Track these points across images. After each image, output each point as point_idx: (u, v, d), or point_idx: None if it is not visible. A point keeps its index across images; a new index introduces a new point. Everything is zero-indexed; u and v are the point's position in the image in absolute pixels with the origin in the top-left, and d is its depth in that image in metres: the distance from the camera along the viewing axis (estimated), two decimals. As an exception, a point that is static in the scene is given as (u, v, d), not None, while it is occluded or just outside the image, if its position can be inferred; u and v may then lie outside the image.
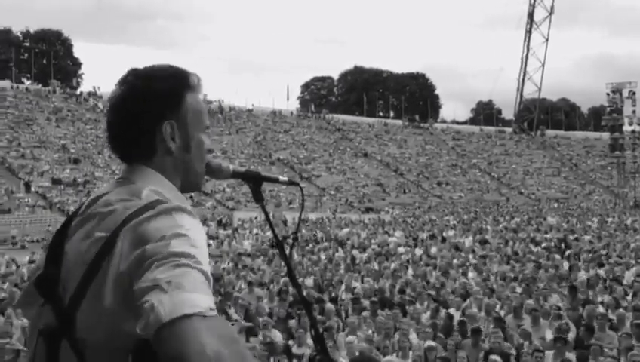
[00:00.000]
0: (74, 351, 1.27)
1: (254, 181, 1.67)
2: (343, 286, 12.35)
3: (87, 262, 1.28)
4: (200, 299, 1.11)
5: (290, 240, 1.91)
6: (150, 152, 1.44)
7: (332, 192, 56.87)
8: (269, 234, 30.56)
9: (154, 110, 1.43)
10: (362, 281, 13.25)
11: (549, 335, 8.62)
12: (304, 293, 1.69)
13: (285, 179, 1.76)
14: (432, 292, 11.40)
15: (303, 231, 27.69)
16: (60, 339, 1.30)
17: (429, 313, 10.16)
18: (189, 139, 1.47)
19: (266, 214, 1.67)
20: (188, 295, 1.10)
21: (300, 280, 13.42)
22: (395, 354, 8.10)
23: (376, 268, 15.52)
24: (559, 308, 9.67)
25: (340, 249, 21.13)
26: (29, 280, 1.47)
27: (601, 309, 9.72)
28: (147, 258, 1.17)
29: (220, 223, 38.76)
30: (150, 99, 1.43)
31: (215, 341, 1.07)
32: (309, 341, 7.98)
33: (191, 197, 45.71)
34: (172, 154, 1.45)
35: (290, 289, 12.45)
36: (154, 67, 1.50)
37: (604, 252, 17.30)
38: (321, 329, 1.58)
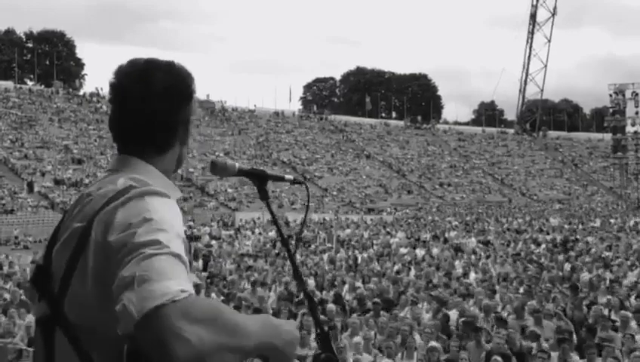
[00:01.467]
0: (67, 337, 1.32)
1: (259, 179, 1.67)
2: (346, 287, 12.36)
3: (68, 254, 1.34)
4: (168, 285, 1.12)
5: (294, 239, 1.91)
6: (166, 147, 1.50)
7: (334, 193, 56.86)
8: (272, 234, 30.56)
9: (179, 109, 1.49)
10: (364, 282, 13.25)
11: (552, 336, 8.61)
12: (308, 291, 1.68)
13: (291, 177, 1.77)
14: (434, 293, 11.40)
15: (305, 232, 27.68)
16: (54, 327, 1.35)
17: (430, 313, 10.17)
18: (186, 136, 1.54)
19: (271, 212, 1.68)
20: (156, 285, 1.12)
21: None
22: (399, 355, 8.10)
23: (379, 268, 15.53)
24: (564, 309, 9.66)
25: (341, 249, 21.13)
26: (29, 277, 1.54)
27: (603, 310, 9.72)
28: (115, 251, 1.20)
29: (223, 224, 38.77)
30: (175, 97, 1.48)
31: (192, 321, 1.09)
32: (313, 343, 7.98)
33: (190, 197, 45.77)
34: (173, 147, 1.52)
35: (294, 289, 12.47)
36: (171, 64, 1.51)
37: (607, 253, 17.28)
38: (326, 328, 1.57)
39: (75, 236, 1.34)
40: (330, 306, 9.89)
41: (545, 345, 8.15)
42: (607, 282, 12.34)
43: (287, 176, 1.76)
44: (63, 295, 1.33)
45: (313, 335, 8.36)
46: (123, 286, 1.14)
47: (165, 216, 1.27)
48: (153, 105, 1.44)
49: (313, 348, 7.89)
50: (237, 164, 1.66)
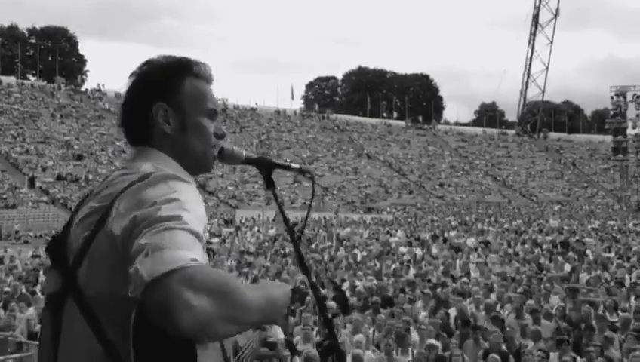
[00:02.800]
0: (79, 305, 1.34)
1: (266, 168, 1.69)
2: (346, 285, 12.40)
3: (88, 228, 1.38)
4: (181, 253, 1.16)
5: (299, 230, 1.95)
6: (146, 134, 1.53)
7: (334, 192, 56.90)
8: (272, 232, 30.60)
9: (145, 93, 1.52)
10: (364, 280, 13.28)
11: (550, 336, 8.65)
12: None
13: (297, 166, 1.79)
14: (428, 292, 11.42)
15: (305, 230, 27.69)
16: (64, 299, 1.38)
17: (427, 311, 10.21)
18: (185, 122, 1.53)
19: (277, 201, 1.70)
20: (168, 252, 1.15)
21: (302, 278, 13.47)
22: (394, 352, 8.14)
23: (378, 266, 15.57)
24: (563, 309, 9.70)
25: (341, 248, 21.16)
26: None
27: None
28: (137, 223, 1.24)
29: (224, 221, 38.81)
30: (144, 83, 1.54)
31: (198, 289, 1.11)
32: (316, 338, 8.02)
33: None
34: (168, 135, 1.52)
35: (293, 284, 12.51)
36: (159, 56, 1.59)
37: (606, 254, 17.31)
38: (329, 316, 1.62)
39: (96, 213, 1.39)
40: (331, 303, 9.92)
41: (541, 344, 8.19)
42: (607, 283, 12.37)
43: (294, 165, 1.78)
44: (78, 265, 1.37)
45: (314, 332, 8.41)
46: (138, 251, 1.18)
47: (189, 198, 1.31)
48: (130, 97, 1.55)
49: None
50: (244, 152, 1.68)
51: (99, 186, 1.49)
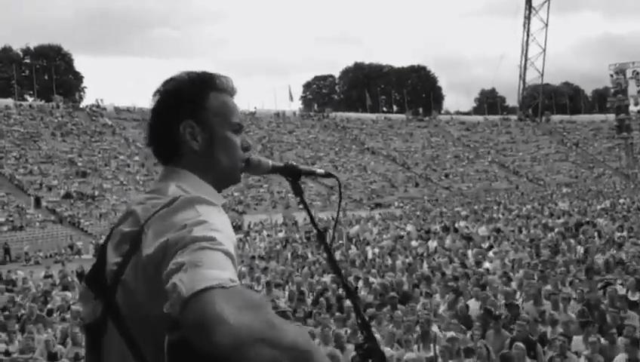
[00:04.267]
0: (118, 329, 1.38)
1: (292, 175, 1.70)
2: (361, 283, 12.35)
3: (120, 254, 1.41)
4: (219, 273, 1.16)
5: (330, 231, 1.91)
6: (175, 152, 1.54)
7: (339, 195, 56.82)
8: (281, 235, 30.60)
9: (172, 111, 1.53)
10: (380, 277, 13.23)
11: (572, 319, 8.59)
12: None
13: (322, 171, 1.80)
14: (451, 284, 11.37)
15: (313, 231, 27.66)
16: (105, 323, 1.42)
17: (446, 304, 10.15)
18: (212, 138, 1.53)
19: (306, 207, 1.69)
20: (207, 271, 1.16)
21: (317, 278, 13.43)
22: (416, 348, 8.08)
23: (391, 262, 15.51)
24: (582, 292, 9.63)
25: (352, 246, 21.13)
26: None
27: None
28: (171, 246, 1.25)
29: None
30: (169, 101, 1.55)
31: (236, 308, 1.11)
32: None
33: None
34: (197, 152, 1.53)
35: (307, 288, 12.47)
36: (182, 72, 1.60)
37: (619, 234, 17.22)
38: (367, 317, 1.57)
39: (127, 238, 1.41)
40: (348, 303, 9.87)
41: (560, 329, 8.13)
42: (623, 263, 12.28)
43: (319, 170, 1.79)
44: (115, 289, 1.40)
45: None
46: (176, 269, 1.18)
47: (218, 220, 1.32)
48: (156, 116, 1.56)
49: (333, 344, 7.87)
50: (270, 162, 1.68)
51: (127, 212, 1.51)
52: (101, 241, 1.66)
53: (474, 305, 9.79)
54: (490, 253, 15.51)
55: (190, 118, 1.52)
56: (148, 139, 1.58)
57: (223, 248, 1.23)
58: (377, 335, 8.12)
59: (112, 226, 1.57)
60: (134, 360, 1.35)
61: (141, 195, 1.51)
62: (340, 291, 11.58)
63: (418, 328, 8.42)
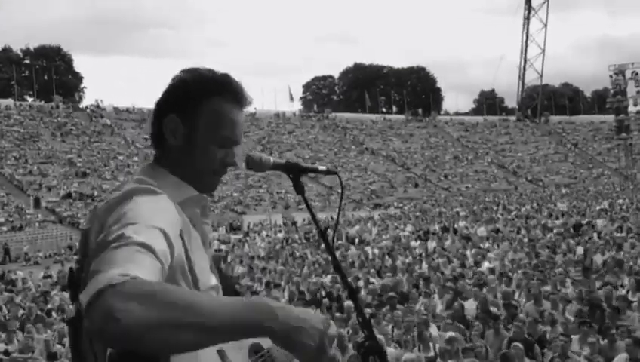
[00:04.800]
0: (85, 334, 1.36)
1: (294, 172, 1.67)
2: (361, 283, 12.36)
3: (79, 256, 1.43)
4: (112, 272, 1.10)
5: (330, 231, 1.91)
6: (157, 144, 1.55)
7: (339, 191, 56.84)
8: (280, 236, 30.60)
9: (164, 104, 1.52)
10: (379, 277, 13.25)
11: (571, 319, 8.60)
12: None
13: (324, 168, 1.79)
14: (449, 284, 11.38)
15: (313, 231, 27.67)
16: (78, 329, 1.39)
17: (444, 304, 10.16)
18: (192, 141, 1.51)
19: (308, 204, 1.68)
20: (102, 275, 1.10)
21: (316, 279, 13.44)
22: (415, 348, 8.09)
23: (390, 263, 15.52)
24: (580, 292, 9.64)
25: (352, 246, 21.14)
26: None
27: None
28: (92, 254, 1.23)
29: (231, 227, 38.81)
30: (166, 94, 1.53)
31: (124, 300, 1.05)
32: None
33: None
34: (173, 148, 1.52)
35: (306, 289, 12.48)
36: (204, 68, 1.56)
37: (618, 234, 17.23)
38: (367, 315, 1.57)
39: (82, 239, 1.43)
40: (348, 303, 9.88)
41: (561, 329, 8.14)
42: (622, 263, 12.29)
43: (321, 167, 1.77)
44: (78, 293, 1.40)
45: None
46: (84, 284, 1.14)
47: (142, 211, 1.28)
48: (158, 102, 1.55)
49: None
50: (272, 159, 1.66)
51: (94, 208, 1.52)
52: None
53: (471, 305, 9.80)
54: (490, 254, 15.52)
55: (177, 113, 1.49)
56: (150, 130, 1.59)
57: (132, 241, 1.18)
58: (380, 336, 8.15)
59: None
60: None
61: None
62: (340, 290, 11.60)
63: (416, 328, 8.42)
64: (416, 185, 62.32)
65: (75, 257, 1.59)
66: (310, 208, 1.69)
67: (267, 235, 31.40)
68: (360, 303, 1.65)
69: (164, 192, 1.40)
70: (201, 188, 1.55)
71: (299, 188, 1.67)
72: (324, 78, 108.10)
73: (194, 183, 1.53)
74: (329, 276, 13.41)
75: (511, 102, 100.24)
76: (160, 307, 1.06)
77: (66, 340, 9.22)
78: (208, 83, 1.51)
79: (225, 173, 1.59)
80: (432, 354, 7.91)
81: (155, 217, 1.28)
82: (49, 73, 76.07)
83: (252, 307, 1.12)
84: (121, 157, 56.14)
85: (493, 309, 9.32)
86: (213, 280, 1.54)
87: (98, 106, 67.56)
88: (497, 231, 21.62)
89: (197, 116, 1.49)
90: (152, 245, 1.19)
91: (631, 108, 61.91)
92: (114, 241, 1.19)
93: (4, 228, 37.97)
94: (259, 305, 1.12)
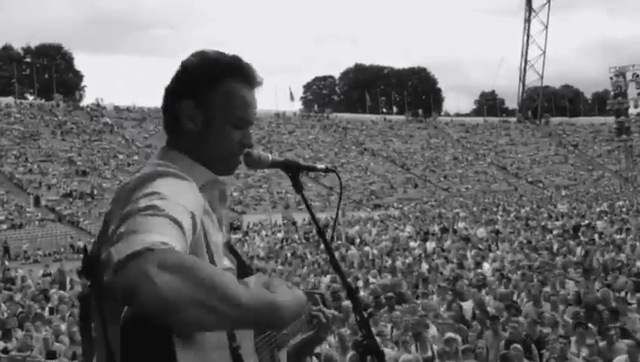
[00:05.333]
0: (96, 307, 1.36)
1: (293, 170, 1.67)
2: (360, 283, 12.36)
3: (97, 238, 1.42)
4: (152, 236, 1.11)
5: (329, 230, 1.91)
6: (171, 130, 1.53)
7: (339, 191, 56.88)
8: (280, 236, 30.60)
9: (177, 88, 1.50)
10: (378, 277, 13.25)
11: (569, 321, 8.59)
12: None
13: (323, 166, 1.79)
14: (444, 285, 11.38)
15: (313, 231, 27.67)
16: (90, 297, 1.39)
17: (445, 305, 10.16)
18: (209, 124, 1.50)
19: (306, 203, 1.67)
20: (140, 235, 1.12)
21: (316, 279, 13.44)
22: (413, 348, 8.09)
23: (390, 263, 15.53)
24: (578, 294, 9.64)
25: (352, 247, 21.14)
26: None
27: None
28: (119, 221, 1.21)
29: (231, 227, 38.81)
30: (179, 76, 1.51)
31: (164, 269, 1.06)
32: (332, 339, 7.98)
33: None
34: (191, 134, 1.50)
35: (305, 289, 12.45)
36: (213, 51, 1.55)
37: (618, 236, 17.24)
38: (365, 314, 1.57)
39: (104, 220, 1.40)
40: (346, 303, 9.88)
41: (561, 331, 8.13)
42: (623, 265, 12.30)
43: (320, 166, 1.77)
44: (97, 267, 1.38)
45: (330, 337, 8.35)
46: (115, 240, 1.15)
47: (170, 191, 1.28)
48: (166, 89, 1.52)
49: (332, 346, 7.88)
50: (270, 156, 1.65)
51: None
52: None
53: (470, 306, 9.80)
54: (490, 254, 15.53)
55: (191, 99, 1.48)
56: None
57: (164, 213, 1.19)
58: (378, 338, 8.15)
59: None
60: (103, 337, 1.33)
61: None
62: (338, 289, 11.60)
63: (414, 329, 8.42)
64: (416, 186, 62.35)
65: (78, 256, 1.58)
66: (309, 206, 1.68)
67: (267, 235, 31.40)
68: (358, 302, 1.64)
69: (186, 175, 1.39)
70: (220, 172, 1.55)
71: (297, 187, 1.66)
72: (325, 78, 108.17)
73: (212, 167, 1.52)
74: (328, 276, 13.42)
75: (511, 104, 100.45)
76: (198, 285, 1.07)
77: (63, 338, 9.23)
78: (219, 65, 1.50)
79: (242, 155, 1.58)
80: (429, 354, 7.91)
81: (182, 196, 1.28)
82: (50, 72, 76.10)
83: (268, 305, 1.16)
84: (121, 156, 56.15)
85: (491, 310, 9.31)
86: (227, 262, 1.54)
87: (98, 105, 67.57)
88: (497, 232, 21.62)
89: (211, 99, 1.49)
90: (181, 221, 1.21)
91: (631, 110, 61.89)
92: (145, 210, 1.19)
93: (4, 226, 38.02)
94: (273, 307, 1.17)
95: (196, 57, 1.52)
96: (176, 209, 1.22)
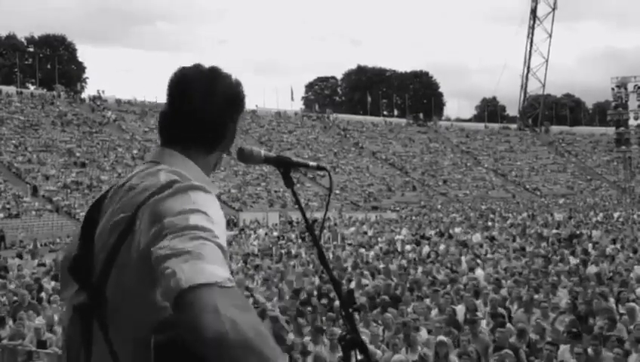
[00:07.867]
0: (100, 327, 1.36)
1: (285, 166, 1.71)
2: (353, 284, 12.38)
3: (111, 243, 1.38)
4: (218, 270, 1.16)
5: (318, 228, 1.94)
6: (213, 149, 1.58)
7: (337, 192, 56.92)
8: (276, 234, 30.61)
9: (232, 117, 1.59)
10: (372, 279, 13.27)
11: (560, 328, 8.64)
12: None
13: (315, 164, 1.82)
14: (436, 289, 11.41)
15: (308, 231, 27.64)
16: (92, 316, 1.39)
17: (437, 309, 10.19)
18: (231, 144, 1.63)
19: (297, 199, 1.71)
20: (207, 265, 1.15)
21: (311, 279, 13.46)
22: (403, 350, 8.12)
23: (383, 265, 15.54)
24: (574, 302, 9.68)
25: (346, 247, 21.17)
26: (61, 264, 1.55)
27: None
28: (164, 229, 1.24)
29: (227, 223, 38.82)
30: (232, 106, 1.59)
31: (231, 310, 1.10)
32: (325, 340, 8.01)
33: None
34: (219, 154, 1.62)
35: (303, 286, 12.51)
36: (235, 78, 1.62)
37: (612, 246, 17.28)
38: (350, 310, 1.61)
39: (120, 225, 1.38)
40: (337, 303, 9.91)
41: (548, 338, 8.17)
42: (616, 275, 12.34)
43: (312, 163, 1.81)
44: (105, 280, 1.38)
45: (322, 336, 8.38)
46: (175, 254, 1.17)
47: (214, 212, 1.32)
48: (214, 109, 1.55)
49: (326, 345, 7.91)
50: (262, 152, 1.70)
51: (116, 193, 1.50)
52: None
53: (462, 310, 9.84)
54: (485, 257, 15.58)
55: (236, 122, 1.61)
56: (181, 119, 1.55)
57: (218, 241, 1.23)
58: (365, 337, 8.19)
59: (96, 202, 1.56)
60: (109, 354, 1.35)
61: (134, 178, 1.49)
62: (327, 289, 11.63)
63: (405, 331, 8.45)
64: (414, 189, 62.35)
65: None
66: (299, 202, 1.72)
67: (264, 233, 31.39)
68: (344, 297, 1.68)
69: (209, 188, 1.43)
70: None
71: (288, 182, 1.70)
72: (327, 78, 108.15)
73: (208, 175, 1.61)
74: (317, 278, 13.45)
75: (512, 111, 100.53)
76: (253, 329, 1.12)
77: (56, 328, 9.25)
78: (244, 98, 1.64)
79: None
80: (418, 356, 7.94)
81: (223, 222, 1.33)
82: (52, 62, 76.00)
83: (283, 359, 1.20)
84: (120, 149, 56.10)
85: (478, 314, 9.36)
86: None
87: (100, 97, 67.48)
88: (493, 238, 21.66)
89: (238, 123, 1.63)
90: (224, 247, 1.26)
91: (631, 122, 61.81)
92: (202, 230, 1.23)
93: (1, 215, 37.99)
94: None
95: (238, 85, 1.62)
96: (222, 235, 1.27)
